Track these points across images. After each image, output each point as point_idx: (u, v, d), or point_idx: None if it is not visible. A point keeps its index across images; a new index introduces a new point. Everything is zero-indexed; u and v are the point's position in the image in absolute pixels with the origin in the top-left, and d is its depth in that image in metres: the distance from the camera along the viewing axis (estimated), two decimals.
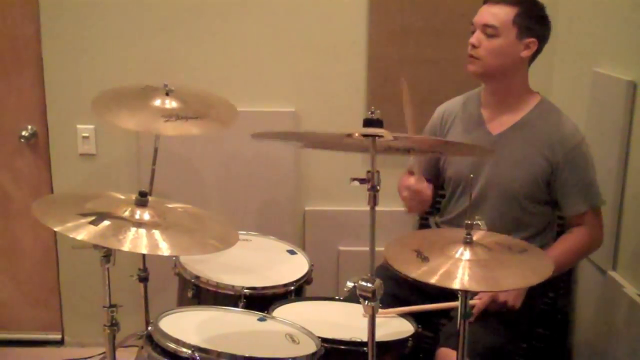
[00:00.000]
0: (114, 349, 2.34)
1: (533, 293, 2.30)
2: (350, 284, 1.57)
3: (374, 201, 1.54)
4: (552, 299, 2.88)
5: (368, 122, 1.56)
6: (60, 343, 3.40)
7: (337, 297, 2.27)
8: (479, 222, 1.75)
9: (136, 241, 1.90)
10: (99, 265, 2.24)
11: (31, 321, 3.37)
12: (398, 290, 2.24)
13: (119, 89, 2.62)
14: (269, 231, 2.74)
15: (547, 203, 2.31)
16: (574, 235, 2.27)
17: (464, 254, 1.70)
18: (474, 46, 2.22)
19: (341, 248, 3.23)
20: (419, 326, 2.04)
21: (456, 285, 1.60)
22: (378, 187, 1.54)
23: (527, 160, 2.25)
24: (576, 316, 2.88)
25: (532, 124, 2.27)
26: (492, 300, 2.14)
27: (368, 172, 1.55)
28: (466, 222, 1.74)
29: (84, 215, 1.95)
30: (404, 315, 2.13)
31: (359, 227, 3.10)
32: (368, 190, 1.54)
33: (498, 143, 2.28)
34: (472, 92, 2.43)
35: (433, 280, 1.61)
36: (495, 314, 2.17)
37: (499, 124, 2.31)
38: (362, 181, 1.54)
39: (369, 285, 1.55)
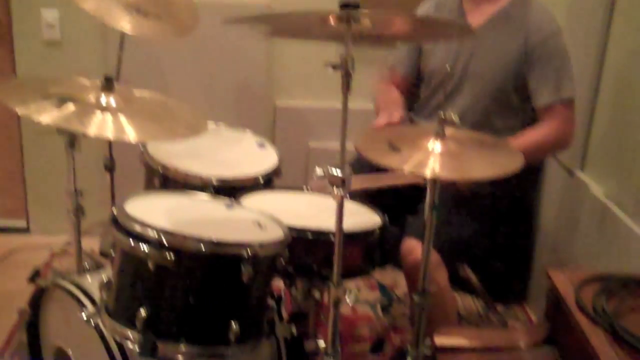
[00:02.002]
0: (79, 236, 2.33)
1: (498, 191, 2.31)
2: (319, 171, 1.55)
3: (347, 88, 1.50)
4: (518, 198, 2.92)
5: (345, 5, 1.50)
6: (25, 231, 3.39)
7: (306, 188, 2.26)
8: (451, 115, 1.73)
9: (101, 126, 1.86)
10: (64, 153, 2.20)
11: None
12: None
13: None
14: (237, 125, 2.71)
15: (521, 97, 2.29)
16: (542, 127, 2.26)
17: (436, 146, 1.70)
18: None
19: (311, 145, 3.22)
20: (386, 217, 2.05)
21: (427, 173, 1.60)
22: (351, 72, 1.50)
23: (503, 51, 2.24)
24: (541, 215, 2.92)
25: (510, 14, 2.26)
26: None
27: (342, 56, 1.50)
28: (439, 113, 1.73)
29: (48, 98, 1.89)
30: (371, 206, 2.13)
31: (330, 125, 3.05)
32: (342, 77, 1.50)
33: (478, 35, 2.24)
34: None
35: (405, 168, 1.61)
36: (459, 207, 2.19)
37: (479, 16, 2.29)
38: (335, 67, 1.49)
39: (339, 172, 1.53)
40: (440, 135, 1.72)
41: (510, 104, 2.30)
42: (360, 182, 2.09)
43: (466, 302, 3.02)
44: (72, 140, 2.18)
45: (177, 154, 2.28)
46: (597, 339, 1.33)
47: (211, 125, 2.45)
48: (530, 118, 2.35)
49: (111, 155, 2.63)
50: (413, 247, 2.07)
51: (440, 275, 2.08)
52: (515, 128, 2.31)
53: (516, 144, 2.14)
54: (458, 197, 2.17)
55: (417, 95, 2.53)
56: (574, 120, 2.27)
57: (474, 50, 2.27)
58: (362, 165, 2.02)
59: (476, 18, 2.29)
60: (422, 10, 2.46)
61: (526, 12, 2.24)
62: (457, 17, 2.32)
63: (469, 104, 2.27)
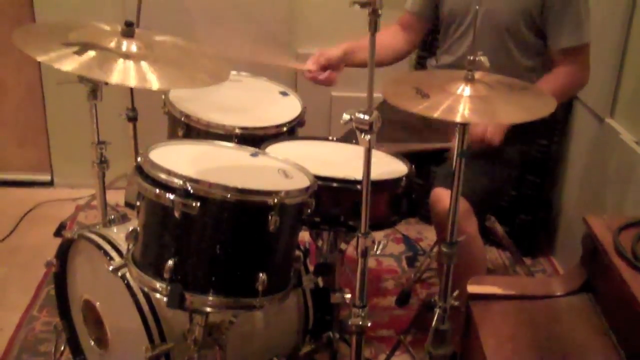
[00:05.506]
0: (103, 187, 2.32)
1: (525, 138, 2.27)
2: (346, 117, 1.51)
3: (374, 27, 1.45)
4: (545, 147, 2.87)
5: None
6: (49, 184, 3.39)
7: (331, 137, 2.23)
8: (481, 58, 1.68)
9: (123, 73, 1.83)
10: (86, 104, 2.18)
11: (19, 161, 3.35)
12: (394, 132, 2.21)
13: None
14: (260, 73, 2.66)
15: (538, 37, 2.23)
16: (560, 72, 2.20)
17: (465, 90, 1.66)
18: None
19: (334, 94, 3.17)
20: (413, 166, 2.01)
21: (457, 118, 1.56)
22: (379, 10, 1.44)
23: None
24: (570, 164, 2.87)
25: None
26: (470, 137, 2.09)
27: None
28: (468, 57, 1.68)
29: (68, 45, 1.86)
30: (397, 155, 2.09)
31: (354, 73, 3.02)
32: (369, 14, 1.45)
33: None
34: None
35: (435, 114, 1.57)
36: (486, 156, 2.15)
37: None
38: (363, 5, 1.44)
39: (366, 117, 1.49)
40: (470, 80, 1.67)
41: (527, 49, 2.24)
42: (387, 148, 2.06)
43: (492, 255, 3.00)
44: (94, 89, 2.15)
45: (199, 103, 2.25)
46: (638, 285, 1.30)
47: (234, 73, 2.41)
48: (548, 61, 2.28)
49: (133, 106, 2.61)
50: (442, 196, 2.04)
51: (470, 224, 2.05)
52: (537, 68, 2.26)
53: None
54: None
55: (435, 42, 2.47)
56: (589, 63, 2.23)
57: None
58: (387, 114, 1.98)
59: None
60: None
61: None
62: None
63: (487, 47, 2.18)
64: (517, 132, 2.21)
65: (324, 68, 2.38)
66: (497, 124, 2.08)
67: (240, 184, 1.52)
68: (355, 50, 2.38)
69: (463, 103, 1.61)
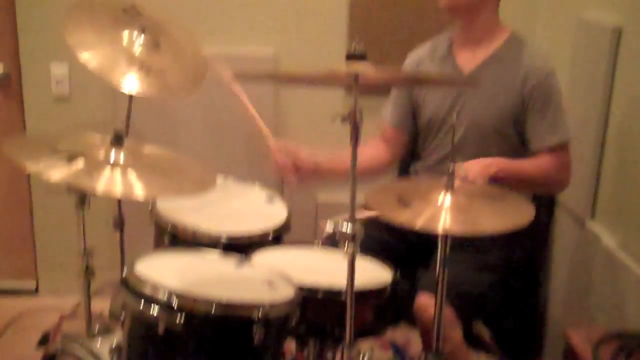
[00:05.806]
0: (89, 299, 2.30)
1: (508, 243, 2.28)
2: (330, 226, 1.54)
3: (356, 140, 1.50)
4: (529, 251, 2.87)
5: (351, 56, 1.51)
6: (34, 292, 3.36)
7: (316, 242, 2.24)
8: (460, 165, 1.72)
9: (111, 183, 1.85)
10: (74, 212, 2.19)
11: (4, 268, 3.32)
12: (385, 236, 2.26)
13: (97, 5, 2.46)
14: (246, 178, 2.70)
15: (520, 140, 2.27)
16: (538, 159, 2.22)
17: (446, 200, 1.69)
18: None
19: (320, 199, 3.20)
20: (398, 272, 2.02)
21: (439, 229, 1.58)
22: (360, 124, 1.50)
23: (499, 97, 2.23)
24: (553, 267, 2.88)
25: (503, 58, 2.25)
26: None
27: (350, 108, 1.50)
28: (448, 166, 1.72)
29: (57, 154, 1.88)
30: (381, 260, 2.09)
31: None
32: (351, 129, 1.50)
33: (470, 81, 2.26)
34: (441, 35, 2.40)
35: (417, 225, 1.60)
36: (471, 261, 2.16)
37: (470, 61, 2.28)
38: (344, 119, 1.50)
39: (349, 227, 1.51)
40: (450, 188, 1.71)
41: (510, 149, 2.26)
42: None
43: None
44: (82, 198, 2.17)
45: (185, 210, 2.27)
46: None
47: (220, 178, 2.44)
48: None
49: (120, 213, 2.62)
50: (427, 304, 2.03)
51: (455, 332, 2.04)
52: None
53: (510, 167, 2.15)
54: (469, 250, 2.14)
55: (416, 150, 2.52)
56: (570, 162, 2.25)
57: (469, 96, 2.25)
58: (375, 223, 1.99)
59: (469, 62, 2.29)
60: (416, 55, 2.43)
61: (520, 53, 2.24)
62: (448, 61, 2.32)
63: (467, 152, 2.20)
64: (500, 237, 2.22)
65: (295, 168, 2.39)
66: (483, 165, 2.09)
67: (224, 298, 1.53)
68: (335, 165, 2.40)
69: (444, 213, 1.64)
